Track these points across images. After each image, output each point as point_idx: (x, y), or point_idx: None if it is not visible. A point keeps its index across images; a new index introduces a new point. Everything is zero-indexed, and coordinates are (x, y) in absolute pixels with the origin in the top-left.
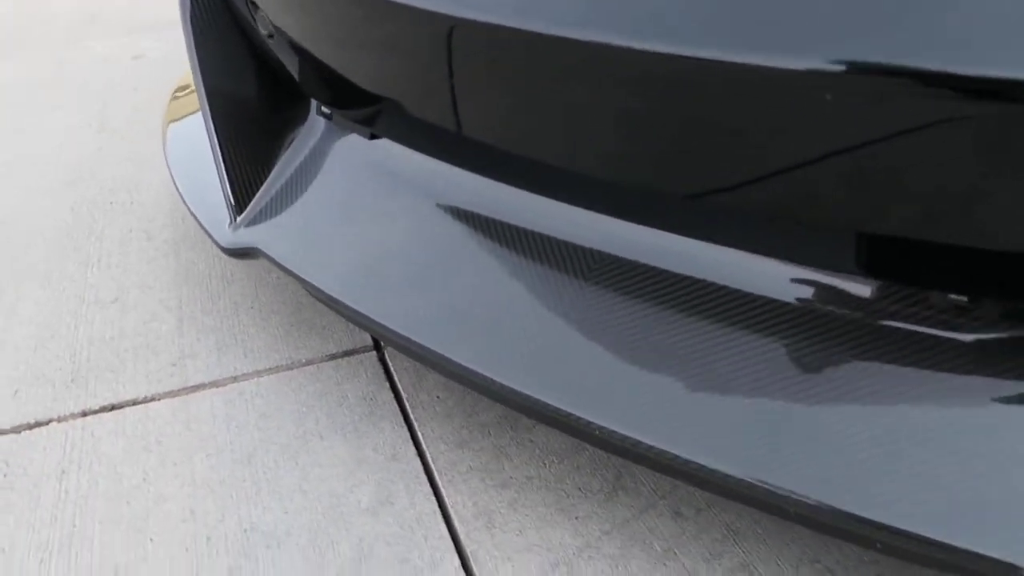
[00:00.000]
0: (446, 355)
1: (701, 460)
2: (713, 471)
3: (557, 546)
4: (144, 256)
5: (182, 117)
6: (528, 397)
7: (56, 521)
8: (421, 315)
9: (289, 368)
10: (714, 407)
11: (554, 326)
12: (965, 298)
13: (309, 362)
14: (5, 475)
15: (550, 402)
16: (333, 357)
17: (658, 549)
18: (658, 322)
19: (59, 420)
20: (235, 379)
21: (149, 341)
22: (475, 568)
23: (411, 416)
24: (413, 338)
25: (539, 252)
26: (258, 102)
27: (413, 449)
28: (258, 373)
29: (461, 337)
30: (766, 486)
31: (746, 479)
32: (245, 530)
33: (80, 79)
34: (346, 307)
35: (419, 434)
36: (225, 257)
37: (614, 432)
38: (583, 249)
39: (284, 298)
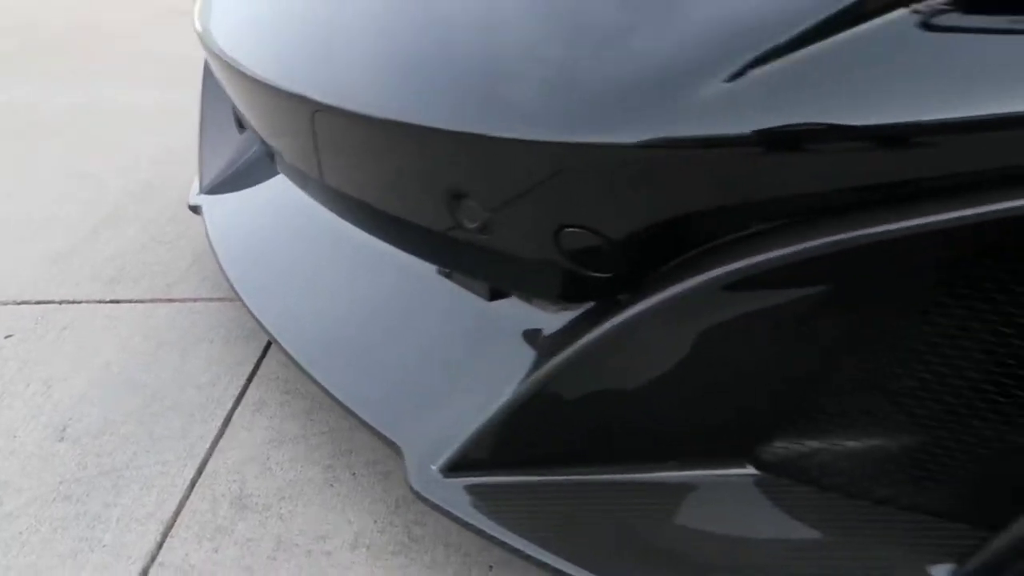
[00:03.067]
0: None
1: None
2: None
3: (277, 434)
4: None
5: None
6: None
7: (56, 356)
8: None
9: (231, 300)
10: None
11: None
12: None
13: None
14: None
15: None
16: None
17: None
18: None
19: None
20: (195, 300)
21: (170, 270)
22: (227, 430)
23: None
24: (256, 315)
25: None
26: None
27: (260, 356)
28: (211, 300)
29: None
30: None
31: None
32: (133, 380)
33: None
34: (220, 267)
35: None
36: None
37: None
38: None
39: None
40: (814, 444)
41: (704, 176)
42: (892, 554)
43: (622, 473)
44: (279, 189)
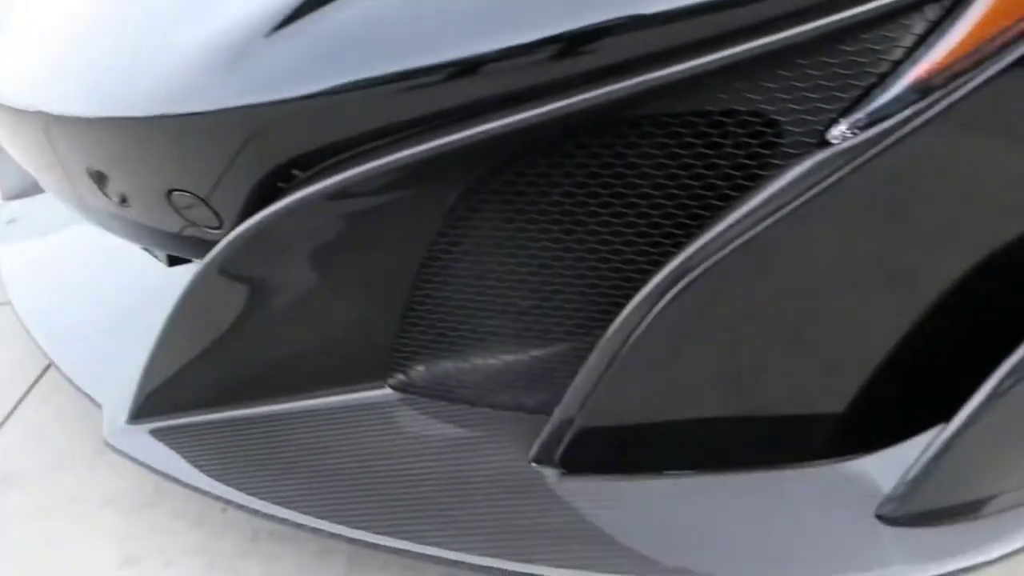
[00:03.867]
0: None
1: None
2: None
3: (59, 416)
4: None
5: None
6: None
7: None
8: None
9: None
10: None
11: None
12: None
13: None
14: None
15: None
16: None
17: None
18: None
19: None
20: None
21: None
22: (14, 415)
23: None
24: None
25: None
26: None
27: None
28: None
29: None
30: None
31: None
32: None
33: None
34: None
35: None
36: None
37: None
38: None
39: None
40: (441, 363)
41: (253, 133)
42: (497, 447)
43: (275, 404)
44: None
